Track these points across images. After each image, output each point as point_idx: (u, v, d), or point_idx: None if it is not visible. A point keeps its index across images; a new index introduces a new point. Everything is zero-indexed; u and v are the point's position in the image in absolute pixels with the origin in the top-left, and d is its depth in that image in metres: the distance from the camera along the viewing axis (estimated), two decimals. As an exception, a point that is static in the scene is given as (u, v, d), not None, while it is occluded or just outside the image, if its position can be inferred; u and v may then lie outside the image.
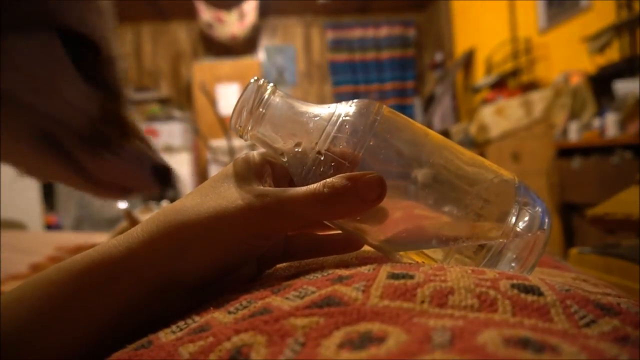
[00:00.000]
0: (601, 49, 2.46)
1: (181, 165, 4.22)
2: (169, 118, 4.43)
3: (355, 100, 0.30)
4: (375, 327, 0.17)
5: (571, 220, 2.33)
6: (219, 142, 3.83)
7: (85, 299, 0.25)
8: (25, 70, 0.24)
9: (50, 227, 3.45)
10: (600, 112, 2.28)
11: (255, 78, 0.30)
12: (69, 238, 1.22)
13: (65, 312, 0.25)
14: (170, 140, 4.35)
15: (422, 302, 0.19)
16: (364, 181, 0.26)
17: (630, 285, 0.68)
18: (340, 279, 0.22)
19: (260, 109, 0.30)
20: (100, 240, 0.99)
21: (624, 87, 2.13)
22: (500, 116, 2.97)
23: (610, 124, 2.10)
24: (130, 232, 0.27)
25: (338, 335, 0.17)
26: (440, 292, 0.20)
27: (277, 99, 0.30)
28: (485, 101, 3.40)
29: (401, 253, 0.29)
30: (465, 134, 3.35)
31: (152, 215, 0.28)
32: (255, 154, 0.31)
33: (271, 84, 0.30)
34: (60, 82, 0.26)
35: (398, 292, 0.20)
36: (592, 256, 0.81)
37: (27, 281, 0.26)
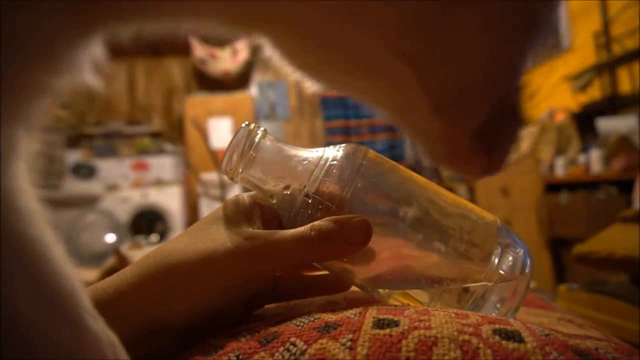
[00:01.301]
0: (583, 88, 2.55)
1: (172, 198, 4.20)
2: (160, 152, 4.44)
3: (342, 145, 0.31)
4: None
5: (561, 255, 2.34)
6: (210, 176, 3.84)
7: None
8: None
9: (35, 261, 3.37)
10: (584, 148, 2.34)
11: (247, 123, 0.31)
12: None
13: None
14: (161, 173, 4.34)
15: (407, 358, 0.19)
16: (349, 225, 0.27)
17: (618, 323, 0.68)
18: (327, 328, 0.22)
19: (251, 152, 0.30)
20: (87, 276, 0.98)
21: (606, 124, 2.20)
22: (488, 151, 3.03)
23: (595, 160, 2.15)
24: (119, 275, 0.27)
25: None
26: (424, 343, 0.20)
27: (267, 143, 0.31)
28: (474, 137, 3.47)
29: (387, 294, 0.30)
30: (455, 169, 3.39)
31: (141, 258, 0.28)
32: (245, 196, 0.31)
33: (262, 129, 0.31)
34: None
35: (384, 347, 0.20)
36: (581, 293, 0.81)
37: None
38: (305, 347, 0.21)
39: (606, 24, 2.51)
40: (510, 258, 0.28)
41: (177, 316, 0.26)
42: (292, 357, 0.20)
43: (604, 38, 2.51)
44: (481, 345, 0.20)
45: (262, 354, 0.21)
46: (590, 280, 0.85)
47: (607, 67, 2.47)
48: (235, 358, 0.22)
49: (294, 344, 0.21)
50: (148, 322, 0.26)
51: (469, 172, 0.23)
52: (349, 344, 0.20)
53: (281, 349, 0.21)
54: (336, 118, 5.24)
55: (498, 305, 0.28)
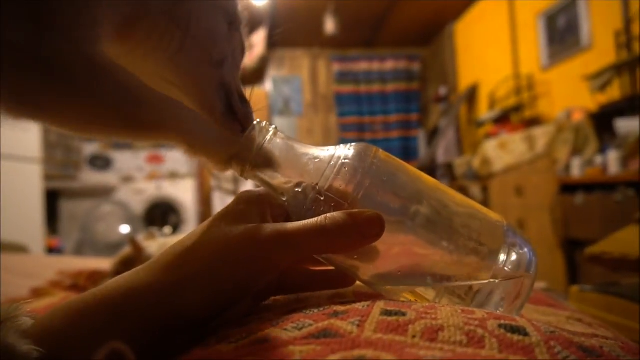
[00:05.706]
0: (602, 88, 2.50)
1: (185, 191, 4.25)
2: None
3: (353, 144, 0.31)
4: (369, 353, 0.18)
5: (575, 256, 2.31)
6: (224, 170, 3.87)
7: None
8: None
9: (52, 250, 3.45)
10: (602, 149, 2.30)
11: (258, 120, 0.32)
12: (71, 262, 1.23)
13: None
14: (175, 166, 4.39)
15: (414, 336, 0.20)
16: (363, 217, 0.27)
17: (629, 325, 0.67)
18: (336, 314, 0.23)
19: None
20: (102, 265, 1.00)
21: (625, 125, 2.16)
22: (503, 150, 3.00)
23: (613, 161, 2.12)
24: (132, 274, 0.27)
25: (334, 358, 0.18)
26: (430, 328, 0.21)
27: (278, 141, 0.32)
28: (489, 135, 3.43)
29: (394, 291, 0.30)
30: (469, 167, 3.37)
31: (153, 259, 0.28)
32: (256, 192, 0.32)
33: (273, 126, 0.32)
34: None
35: (391, 327, 0.21)
36: (593, 294, 0.81)
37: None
38: (313, 323, 0.22)
39: (627, 23, 2.46)
40: (516, 257, 0.29)
41: (192, 310, 0.26)
42: (299, 327, 0.21)
43: (625, 37, 2.46)
44: (487, 335, 0.20)
45: (272, 329, 0.22)
46: (602, 282, 0.84)
47: (627, 67, 2.43)
48: (246, 335, 0.23)
49: (302, 322, 0.22)
50: (163, 318, 0.26)
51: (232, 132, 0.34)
52: (357, 322, 0.21)
53: (290, 324, 0.22)
54: (350, 114, 5.23)
55: (502, 303, 0.29)
